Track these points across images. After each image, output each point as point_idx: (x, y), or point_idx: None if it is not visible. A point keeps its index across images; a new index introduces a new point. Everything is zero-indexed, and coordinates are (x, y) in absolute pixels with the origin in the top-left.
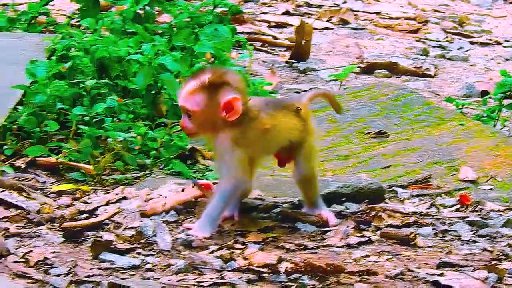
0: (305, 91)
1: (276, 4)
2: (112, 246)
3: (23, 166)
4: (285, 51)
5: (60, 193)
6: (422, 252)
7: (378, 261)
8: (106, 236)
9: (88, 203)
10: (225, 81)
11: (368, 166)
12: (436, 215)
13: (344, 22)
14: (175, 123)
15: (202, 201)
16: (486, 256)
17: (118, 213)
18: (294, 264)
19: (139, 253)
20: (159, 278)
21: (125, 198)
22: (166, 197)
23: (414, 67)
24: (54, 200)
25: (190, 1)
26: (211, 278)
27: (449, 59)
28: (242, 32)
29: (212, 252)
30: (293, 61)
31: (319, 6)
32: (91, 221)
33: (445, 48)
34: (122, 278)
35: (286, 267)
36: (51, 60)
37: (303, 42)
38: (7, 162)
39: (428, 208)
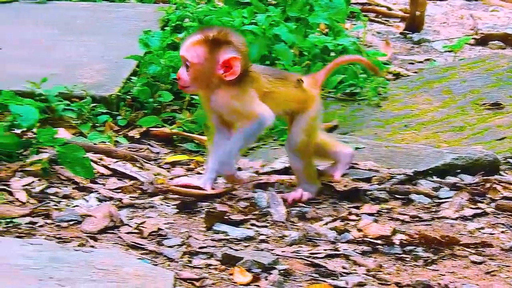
0: (419, 62)
1: None
2: (226, 217)
3: (137, 136)
4: (399, 22)
5: (173, 164)
6: None
7: (493, 233)
8: (219, 207)
9: (202, 174)
10: (229, 40)
11: (483, 137)
12: None
13: None
14: None
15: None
16: None
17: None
18: (408, 236)
19: (253, 224)
20: (273, 250)
21: (239, 169)
22: None
23: None
24: (168, 171)
25: None
26: (325, 250)
27: None
28: (356, 3)
29: (326, 223)
30: (408, 32)
31: None
32: (205, 192)
33: None
34: (236, 249)
35: (401, 239)
36: (165, 30)
37: (418, 13)
38: (121, 133)
39: None
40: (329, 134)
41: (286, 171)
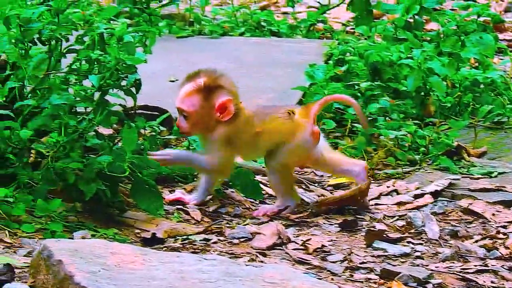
0: None
1: None
2: (384, 235)
3: None
4: None
5: (336, 186)
6: None
7: None
8: (378, 226)
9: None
10: (219, 84)
11: None
12: None
13: None
14: (443, 122)
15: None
16: None
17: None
18: None
19: (409, 242)
20: (427, 265)
21: (395, 191)
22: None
23: None
24: (331, 193)
25: (455, 11)
26: (475, 266)
27: None
28: (503, 40)
29: (476, 241)
30: None
31: None
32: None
33: None
34: (394, 265)
35: None
36: (328, 63)
37: None
38: None
39: None
40: (338, 152)
41: (439, 193)
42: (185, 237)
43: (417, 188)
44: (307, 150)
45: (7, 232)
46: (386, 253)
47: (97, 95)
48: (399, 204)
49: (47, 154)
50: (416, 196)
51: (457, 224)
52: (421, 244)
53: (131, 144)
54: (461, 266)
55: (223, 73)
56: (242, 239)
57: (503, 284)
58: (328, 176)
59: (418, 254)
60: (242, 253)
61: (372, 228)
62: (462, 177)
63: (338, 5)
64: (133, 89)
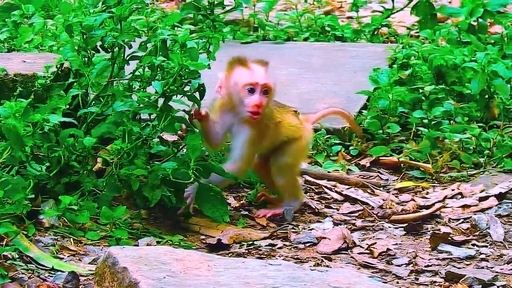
0: None
1: None
2: (449, 238)
3: (367, 165)
4: None
5: (401, 190)
6: None
7: None
8: (443, 229)
9: (427, 198)
10: None
11: None
12: None
13: None
14: (507, 125)
15: None
16: None
17: (444, 208)
18: None
19: (474, 245)
20: (492, 267)
21: (460, 194)
22: None
23: None
24: (396, 196)
25: None
26: None
27: None
28: None
29: None
30: None
31: None
32: (417, 214)
33: None
34: (458, 267)
35: None
36: (392, 68)
37: None
38: (352, 162)
39: None
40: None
41: (503, 195)
42: (250, 242)
43: (482, 191)
44: (307, 152)
45: (72, 240)
46: (451, 256)
47: (160, 101)
48: (464, 207)
49: (111, 161)
50: (481, 199)
51: None
52: (485, 246)
53: (196, 151)
54: None
55: None
56: (307, 244)
57: None
58: (393, 180)
59: (483, 256)
60: (307, 258)
61: (437, 231)
62: None
63: (402, 9)
64: (197, 95)
